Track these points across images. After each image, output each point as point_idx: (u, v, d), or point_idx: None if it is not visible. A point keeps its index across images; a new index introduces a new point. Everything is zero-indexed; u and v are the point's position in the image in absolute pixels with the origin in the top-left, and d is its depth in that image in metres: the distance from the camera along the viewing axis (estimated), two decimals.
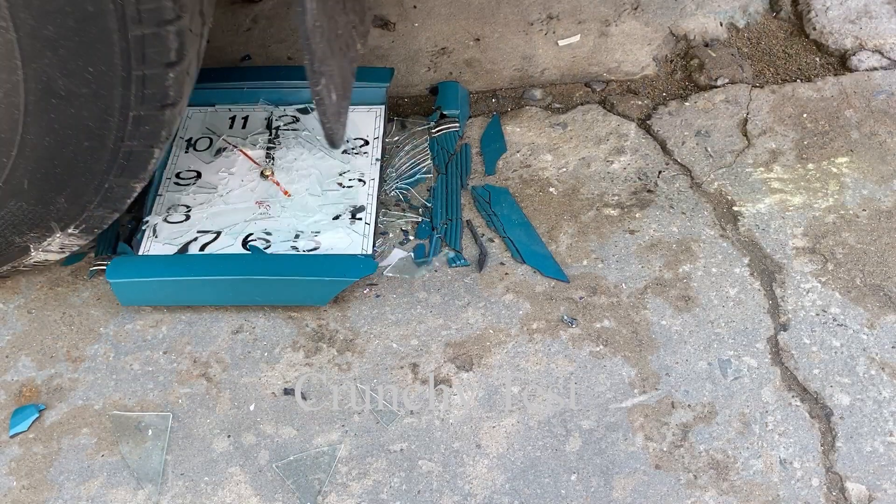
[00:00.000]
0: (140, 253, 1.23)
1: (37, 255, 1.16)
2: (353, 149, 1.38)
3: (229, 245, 1.24)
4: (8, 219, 1.10)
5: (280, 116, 1.43)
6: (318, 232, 1.25)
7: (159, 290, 1.19)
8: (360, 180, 1.32)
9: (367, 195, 1.30)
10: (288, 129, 1.41)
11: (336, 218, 1.27)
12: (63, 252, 1.18)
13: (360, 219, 1.27)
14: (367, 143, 1.38)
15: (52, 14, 0.88)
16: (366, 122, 1.42)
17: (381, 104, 1.44)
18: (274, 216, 1.28)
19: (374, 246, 1.25)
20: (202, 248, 1.23)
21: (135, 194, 1.09)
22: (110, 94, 0.95)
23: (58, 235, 1.13)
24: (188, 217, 1.28)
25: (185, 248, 1.23)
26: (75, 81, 0.94)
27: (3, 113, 0.98)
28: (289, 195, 1.31)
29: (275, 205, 1.29)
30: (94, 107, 0.97)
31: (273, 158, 1.36)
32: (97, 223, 1.13)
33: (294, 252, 1.23)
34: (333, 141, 0.92)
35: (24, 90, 0.95)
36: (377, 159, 1.36)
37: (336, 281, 1.17)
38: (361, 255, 1.21)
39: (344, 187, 1.32)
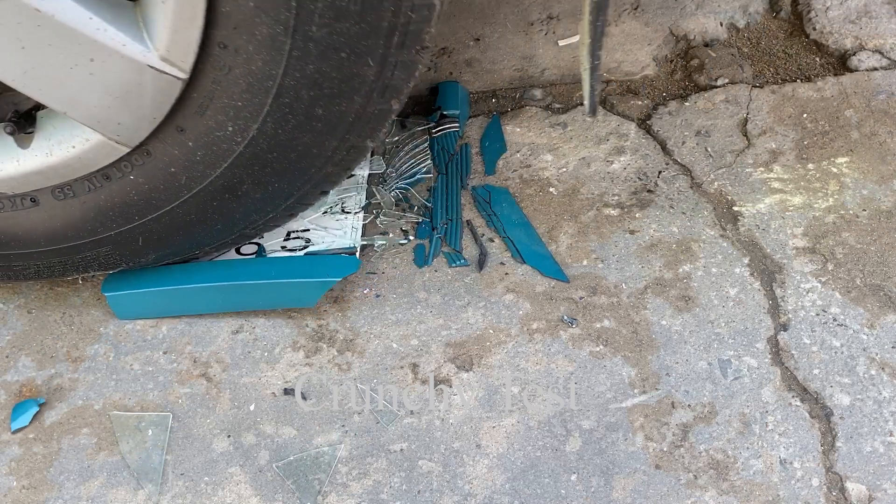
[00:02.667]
0: None
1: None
2: None
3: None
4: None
5: None
6: (307, 229, 1.26)
7: (151, 301, 1.19)
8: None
9: (356, 187, 1.31)
10: None
11: (325, 213, 1.28)
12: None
13: (349, 211, 1.27)
14: None
15: None
16: None
17: None
18: None
19: (362, 238, 1.24)
20: None
21: (368, 153, 1.03)
22: (375, 38, 0.90)
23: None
24: None
25: None
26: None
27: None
28: None
29: None
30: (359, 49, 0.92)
31: None
32: (330, 183, 1.11)
33: (284, 252, 1.23)
34: (595, 109, 1.00)
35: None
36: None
37: (319, 282, 1.17)
38: (345, 253, 1.21)
39: None
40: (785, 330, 1.17)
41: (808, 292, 1.21)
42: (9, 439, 1.09)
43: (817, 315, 1.18)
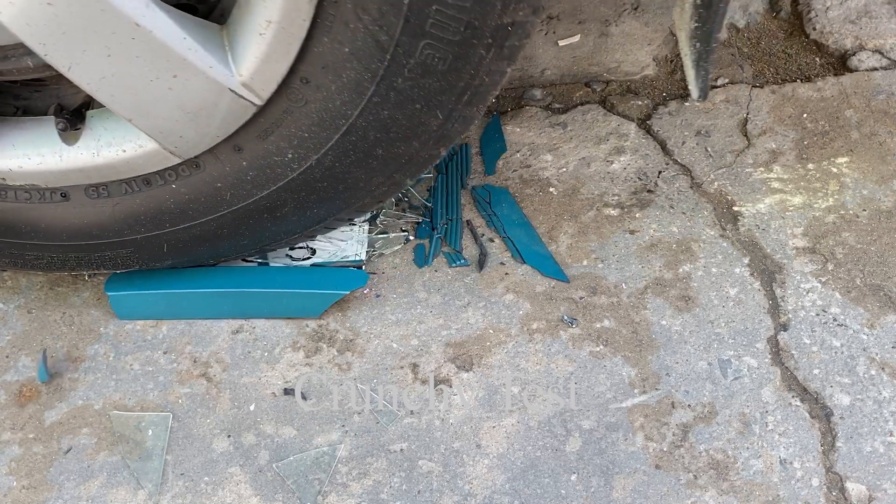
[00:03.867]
0: None
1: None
2: None
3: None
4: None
5: None
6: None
7: (154, 303, 1.19)
8: None
9: None
10: None
11: None
12: None
13: (355, 223, 1.27)
14: None
15: None
16: None
17: None
18: None
19: (367, 252, 1.24)
20: None
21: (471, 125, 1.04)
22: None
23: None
24: None
25: None
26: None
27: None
28: None
29: None
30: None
31: None
32: (362, 213, 1.14)
33: (289, 261, 1.23)
34: (706, 93, 1.00)
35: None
36: None
37: (326, 294, 1.18)
38: (353, 266, 1.21)
39: None
40: (785, 330, 1.17)
41: (808, 292, 1.21)
42: (9, 439, 1.09)
43: (817, 315, 1.18)
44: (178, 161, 1.02)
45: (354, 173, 1.04)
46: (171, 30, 0.88)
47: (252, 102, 0.95)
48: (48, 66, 0.93)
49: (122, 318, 1.21)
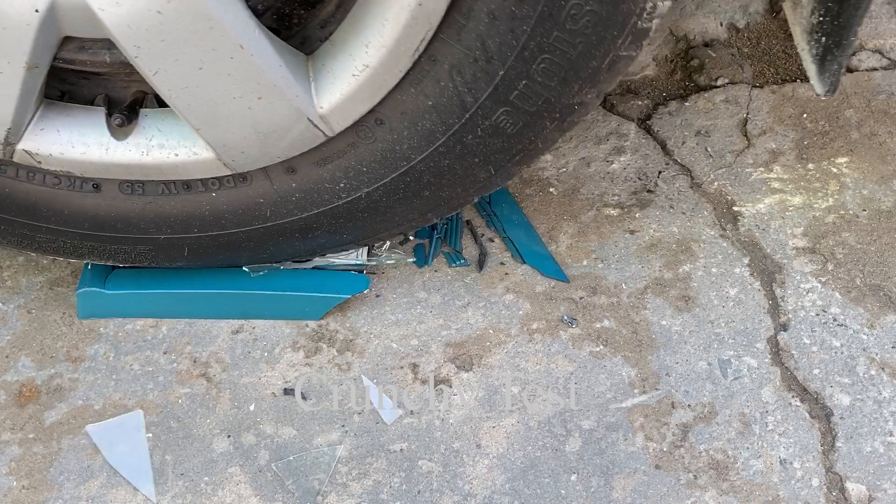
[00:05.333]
0: None
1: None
2: None
3: None
4: None
5: None
6: None
7: (149, 302, 1.19)
8: None
9: None
10: None
11: None
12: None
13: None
14: None
15: None
16: None
17: None
18: None
19: (368, 257, 1.24)
20: None
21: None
22: None
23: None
24: None
25: None
26: None
27: None
28: None
29: None
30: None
31: None
32: (380, 240, 1.18)
33: (290, 263, 1.22)
34: (836, 87, 0.98)
35: None
36: None
37: (328, 297, 1.18)
38: (353, 270, 1.21)
39: None
40: (785, 330, 1.17)
41: (808, 292, 1.21)
42: (9, 439, 1.09)
43: (817, 315, 1.18)
44: (229, 172, 1.03)
45: (396, 208, 1.07)
46: (270, 56, 0.90)
47: (324, 133, 0.98)
48: (126, 65, 0.94)
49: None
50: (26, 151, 1.00)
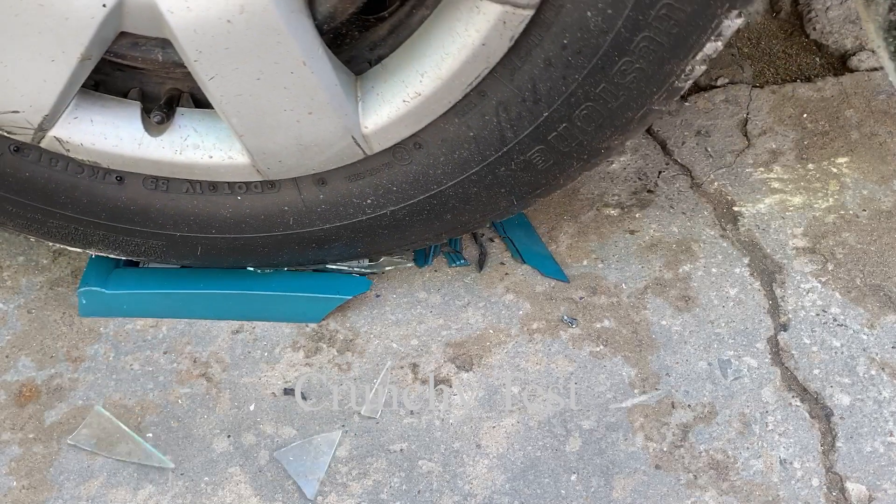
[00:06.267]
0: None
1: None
2: None
3: None
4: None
5: None
6: None
7: (150, 302, 1.19)
8: None
9: None
10: None
11: None
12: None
13: None
14: None
15: None
16: None
17: None
18: None
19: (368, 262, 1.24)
20: None
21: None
22: None
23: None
24: None
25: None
26: None
27: None
28: None
29: None
30: None
31: None
32: (388, 253, 1.21)
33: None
34: None
35: None
36: None
37: (329, 298, 1.18)
38: (356, 272, 1.21)
39: None
40: (785, 330, 1.17)
41: (808, 292, 1.21)
42: (9, 439, 1.09)
43: (817, 315, 1.18)
44: (260, 179, 1.03)
45: (415, 227, 1.09)
46: (327, 74, 0.92)
47: (363, 151, 0.99)
48: (176, 65, 0.95)
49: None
50: (56, 139, 0.98)
